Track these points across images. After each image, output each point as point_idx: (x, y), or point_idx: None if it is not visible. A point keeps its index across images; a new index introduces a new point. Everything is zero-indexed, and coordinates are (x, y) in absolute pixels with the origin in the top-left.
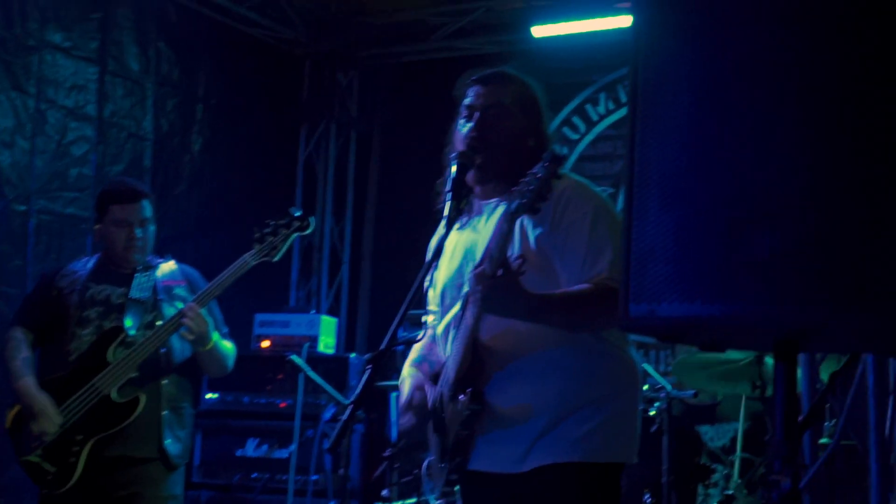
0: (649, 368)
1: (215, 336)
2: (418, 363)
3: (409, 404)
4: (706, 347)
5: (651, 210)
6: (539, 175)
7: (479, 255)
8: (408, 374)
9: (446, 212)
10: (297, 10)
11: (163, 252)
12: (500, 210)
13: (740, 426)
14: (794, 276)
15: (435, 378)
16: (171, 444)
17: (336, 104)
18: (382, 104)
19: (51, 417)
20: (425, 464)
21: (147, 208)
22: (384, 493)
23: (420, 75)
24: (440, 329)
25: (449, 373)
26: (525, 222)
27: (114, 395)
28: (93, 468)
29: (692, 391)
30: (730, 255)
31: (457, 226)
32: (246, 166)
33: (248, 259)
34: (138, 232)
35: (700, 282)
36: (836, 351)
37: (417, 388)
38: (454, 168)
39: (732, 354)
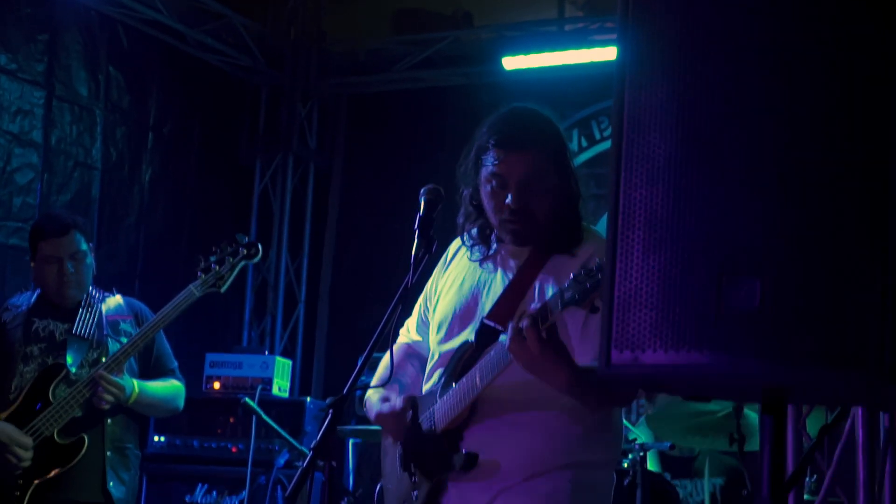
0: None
1: (136, 388)
2: (387, 384)
3: (381, 416)
4: (691, 397)
5: (635, 253)
6: None
7: (488, 297)
8: (374, 391)
9: (413, 251)
10: (255, 37)
11: (109, 287)
12: (522, 255)
13: (706, 483)
14: (783, 329)
15: (411, 404)
16: (114, 487)
17: (294, 136)
18: (343, 136)
19: (25, 445)
20: (377, 489)
21: (79, 240)
22: None
23: (383, 107)
24: (432, 359)
25: (437, 418)
26: (545, 286)
27: (56, 436)
28: None
29: (668, 443)
30: (717, 303)
31: (470, 258)
32: (198, 199)
33: (194, 290)
34: (69, 266)
35: (686, 329)
36: (826, 404)
37: (383, 399)
38: (422, 205)
39: (709, 406)
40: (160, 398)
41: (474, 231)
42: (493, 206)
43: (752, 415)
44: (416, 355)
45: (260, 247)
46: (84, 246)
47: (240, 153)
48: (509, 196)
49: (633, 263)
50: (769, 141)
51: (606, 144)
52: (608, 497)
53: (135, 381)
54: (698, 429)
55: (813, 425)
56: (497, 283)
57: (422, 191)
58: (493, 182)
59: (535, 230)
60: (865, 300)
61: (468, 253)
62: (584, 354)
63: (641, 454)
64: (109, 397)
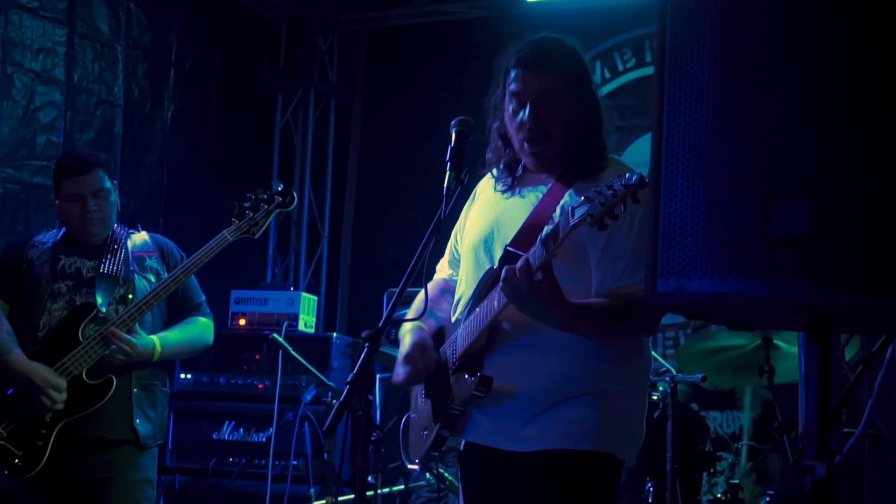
0: (653, 352)
1: (158, 346)
2: (423, 317)
3: (408, 358)
4: (735, 326)
5: (680, 180)
6: (618, 191)
7: (512, 224)
8: (409, 329)
9: (445, 183)
10: None
11: (134, 224)
12: (549, 184)
13: (746, 414)
14: (831, 254)
15: (438, 336)
16: (140, 424)
17: (315, 70)
18: (363, 71)
19: (59, 388)
20: (403, 420)
21: (102, 178)
22: (369, 479)
23: (404, 40)
24: (459, 289)
25: (458, 343)
26: (568, 208)
27: (85, 375)
28: (63, 451)
29: (699, 375)
30: (763, 229)
31: (499, 189)
32: (220, 135)
33: (228, 235)
34: (93, 204)
35: (732, 257)
36: (871, 332)
37: (416, 344)
38: (453, 136)
39: (737, 340)
40: (186, 344)
41: (502, 164)
42: (515, 126)
43: (782, 345)
44: (450, 291)
45: (295, 195)
46: (108, 184)
47: (261, 89)
48: (526, 111)
49: (677, 191)
50: (816, 64)
51: (630, 76)
52: (640, 425)
53: (156, 339)
54: (728, 363)
55: (848, 355)
56: (521, 210)
57: (452, 122)
58: (514, 102)
59: (555, 152)
60: None
61: (496, 185)
62: (603, 277)
63: (672, 386)
64: (121, 356)
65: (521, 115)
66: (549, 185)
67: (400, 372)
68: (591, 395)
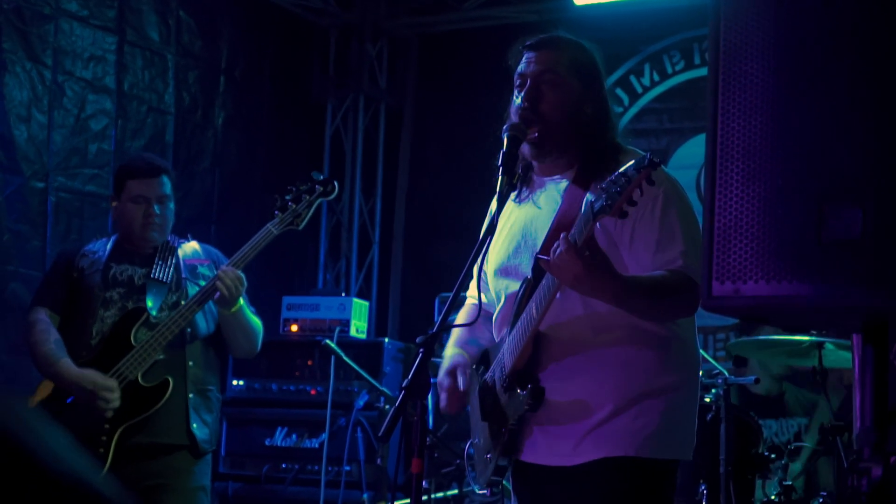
0: (704, 354)
1: (241, 300)
2: (463, 344)
3: (439, 385)
4: (791, 328)
5: (734, 183)
6: (631, 177)
7: (539, 233)
8: (450, 355)
9: (498, 187)
10: None
11: (184, 233)
12: (563, 186)
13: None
14: (886, 257)
15: (483, 361)
16: (197, 429)
17: (364, 76)
18: (413, 76)
19: (111, 388)
20: (466, 449)
21: (166, 184)
22: (423, 484)
23: (453, 46)
24: (496, 309)
25: (505, 361)
26: (588, 201)
27: (140, 379)
28: (121, 457)
29: (752, 377)
30: (818, 232)
31: (513, 199)
32: (271, 141)
33: (272, 229)
34: (156, 209)
35: (788, 260)
36: None
37: (448, 371)
38: (506, 141)
39: (793, 336)
40: (252, 325)
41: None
42: (514, 111)
43: (830, 346)
44: (487, 316)
45: (336, 183)
46: (170, 190)
47: (311, 95)
48: (521, 95)
49: (732, 194)
50: (872, 67)
51: (679, 78)
52: (694, 420)
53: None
54: (779, 357)
55: None
56: (544, 217)
57: (504, 127)
58: (517, 83)
59: (551, 139)
60: None
61: (513, 195)
62: (636, 266)
63: (725, 388)
64: (235, 290)
65: (519, 96)
66: (566, 188)
67: (440, 401)
68: (644, 401)
